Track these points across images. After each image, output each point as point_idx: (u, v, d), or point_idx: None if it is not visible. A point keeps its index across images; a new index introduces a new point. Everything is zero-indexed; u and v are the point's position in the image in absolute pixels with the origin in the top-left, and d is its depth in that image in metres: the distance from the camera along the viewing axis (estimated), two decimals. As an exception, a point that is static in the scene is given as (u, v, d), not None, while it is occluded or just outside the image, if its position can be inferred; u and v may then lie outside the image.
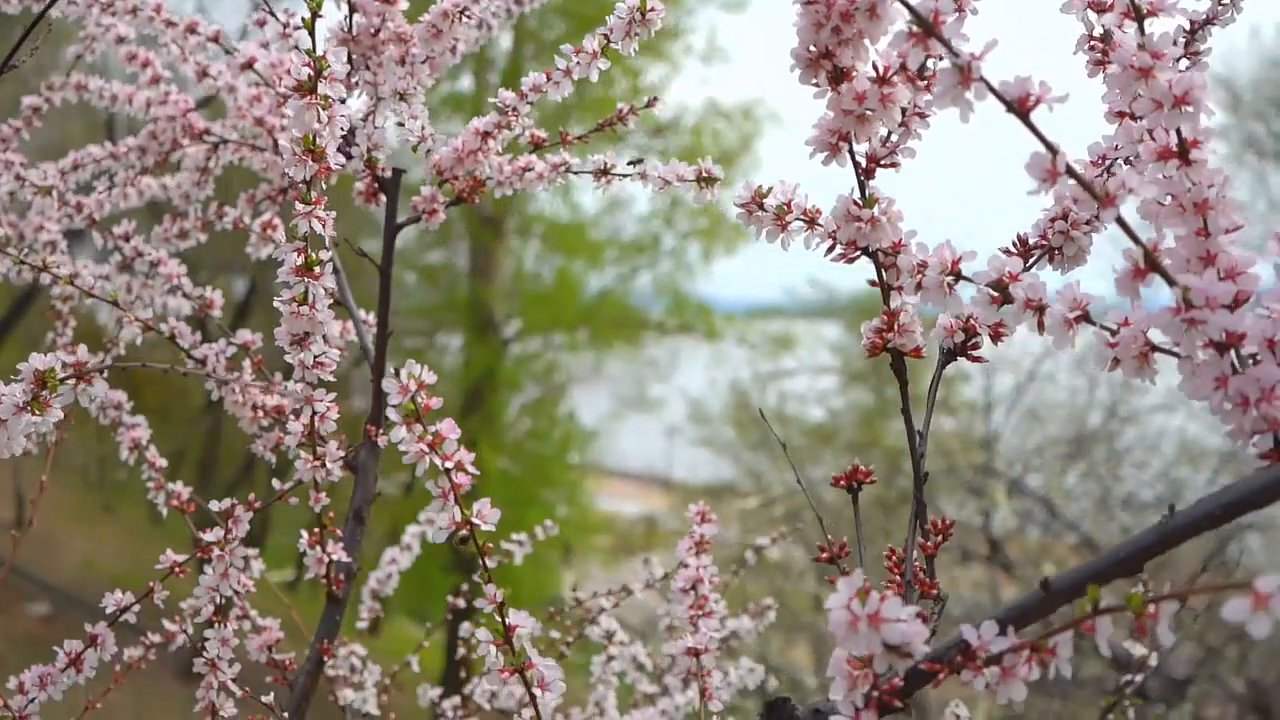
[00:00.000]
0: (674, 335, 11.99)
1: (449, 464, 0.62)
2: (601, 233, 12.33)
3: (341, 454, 0.91)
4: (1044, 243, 0.68)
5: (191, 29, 1.10)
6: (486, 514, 0.63)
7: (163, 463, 1.10)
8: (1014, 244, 0.68)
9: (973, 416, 7.90)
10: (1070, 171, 0.50)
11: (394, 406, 0.61)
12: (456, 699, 1.39)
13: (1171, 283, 0.51)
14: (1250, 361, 0.53)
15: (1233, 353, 0.52)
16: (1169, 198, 0.55)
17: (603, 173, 0.95)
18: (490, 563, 0.66)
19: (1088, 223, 0.66)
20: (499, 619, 0.65)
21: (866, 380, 9.75)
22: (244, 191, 1.20)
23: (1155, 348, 0.54)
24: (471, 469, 0.63)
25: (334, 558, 0.97)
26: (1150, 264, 0.52)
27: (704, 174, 0.86)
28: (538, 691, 0.65)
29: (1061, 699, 6.34)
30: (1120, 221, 0.51)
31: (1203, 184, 0.53)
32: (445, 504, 0.62)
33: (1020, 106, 0.50)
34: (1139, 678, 1.15)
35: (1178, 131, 0.53)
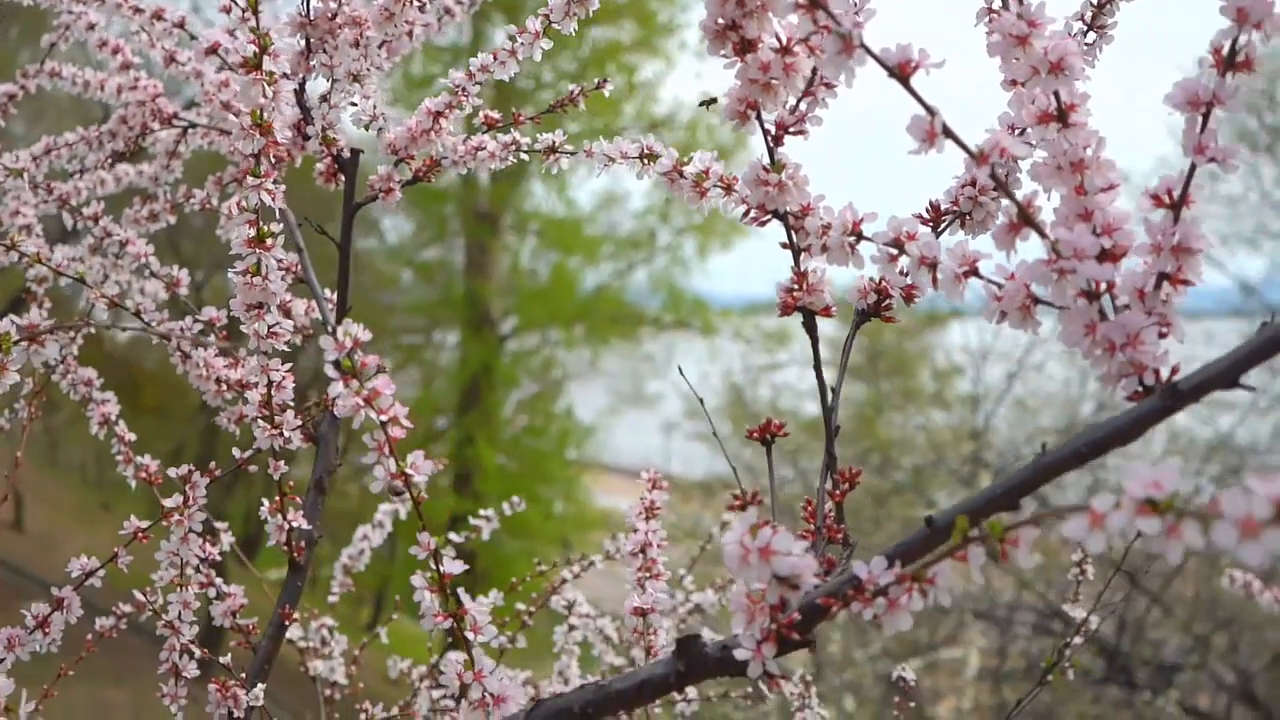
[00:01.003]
0: (670, 331, 12.04)
1: (384, 418, 0.65)
2: (597, 229, 12.38)
3: (299, 422, 0.94)
4: (954, 208, 0.71)
5: (158, 15, 1.13)
6: (420, 465, 0.67)
7: (132, 437, 1.13)
8: (926, 209, 0.72)
9: (967, 410, 7.95)
10: (947, 132, 0.54)
11: (330, 363, 0.64)
12: (423, 668, 1.43)
13: (1044, 235, 0.54)
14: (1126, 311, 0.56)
15: (1108, 302, 0.56)
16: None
17: (551, 150, 0.99)
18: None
19: (995, 189, 0.70)
20: (434, 566, 0.68)
21: (861, 375, 9.79)
22: (212, 174, 1.23)
23: (1037, 300, 0.58)
24: (406, 423, 0.66)
25: (294, 525, 1.00)
26: (1024, 219, 0.55)
27: (646, 151, 0.89)
28: (470, 635, 0.68)
29: (1051, 691, 6.39)
30: (995, 178, 0.55)
31: (1079, 145, 0.56)
32: (381, 457, 0.66)
33: (901, 72, 0.54)
34: (1078, 640, 1.18)
35: (1056, 95, 0.57)
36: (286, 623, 1.02)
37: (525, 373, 11.82)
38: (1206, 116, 0.55)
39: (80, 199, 1.22)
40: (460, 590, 0.69)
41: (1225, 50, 0.54)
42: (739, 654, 0.58)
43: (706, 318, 11.35)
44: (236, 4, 1.03)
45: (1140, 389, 0.53)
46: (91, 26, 1.24)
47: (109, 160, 1.22)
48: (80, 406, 1.19)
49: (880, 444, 8.07)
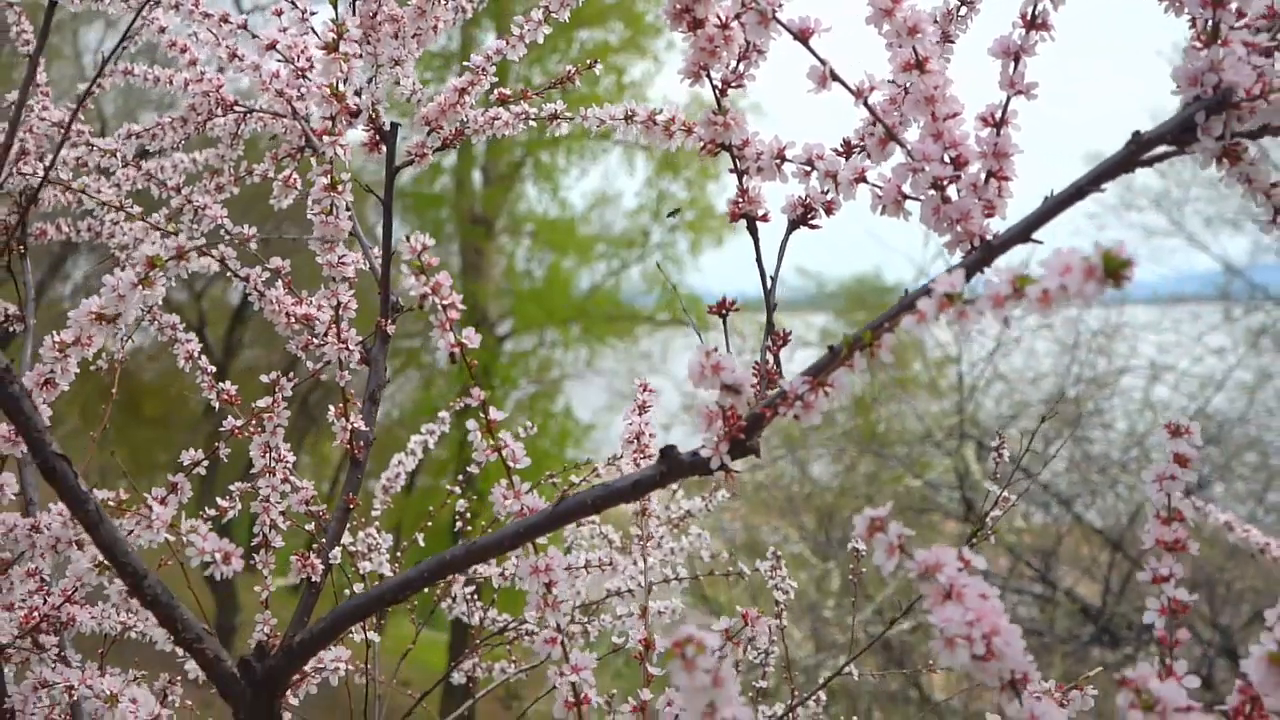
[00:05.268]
0: (666, 328, 12.28)
1: (445, 302, 0.89)
2: (590, 229, 12.62)
3: (360, 339, 1.18)
4: (861, 143, 0.95)
5: (224, 19, 1.37)
6: (472, 337, 0.90)
7: (212, 369, 1.37)
8: (841, 144, 0.95)
9: (958, 396, 8.22)
10: (834, 76, 0.77)
11: (405, 261, 0.88)
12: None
13: (902, 145, 0.78)
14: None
15: (954, 192, 0.80)
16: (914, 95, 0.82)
17: (554, 116, 1.23)
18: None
19: (899, 124, 0.93)
20: (483, 416, 0.92)
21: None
22: (268, 151, 1.47)
23: (906, 196, 0.81)
24: (460, 306, 0.90)
25: (355, 427, 1.24)
26: (889, 136, 0.79)
27: (629, 113, 1.13)
28: (511, 464, 0.92)
29: (1043, 653, 6.63)
30: (869, 108, 0.79)
31: (931, 86, 0.80)
32: (443, 332, 0.90)
33: (803, 36, 0.78)
34: (997, 513, 1.42)
35: (914, 50, 0.80)
36: (350, 506, 1.26)
37: (523, 373, 12.05)
38: (1017, 60, 0.78)
39: (163, 175, 1.46)
40: (505, 435, 0.92)
41: (1029, 14, 0.79)
42: (703, 452, 0.82)
43: (701, 314, 11.55)
44: (295, 5, 1.27)
45: (971, 249, 0.77)
46: (163, 30, 1.47)
47: (182, 142, 1.46)
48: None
49: (877, 434, 8.30)
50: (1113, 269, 0.54)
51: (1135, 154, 0.71)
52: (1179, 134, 0.70)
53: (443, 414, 1.85)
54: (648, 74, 11.63)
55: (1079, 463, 7.19)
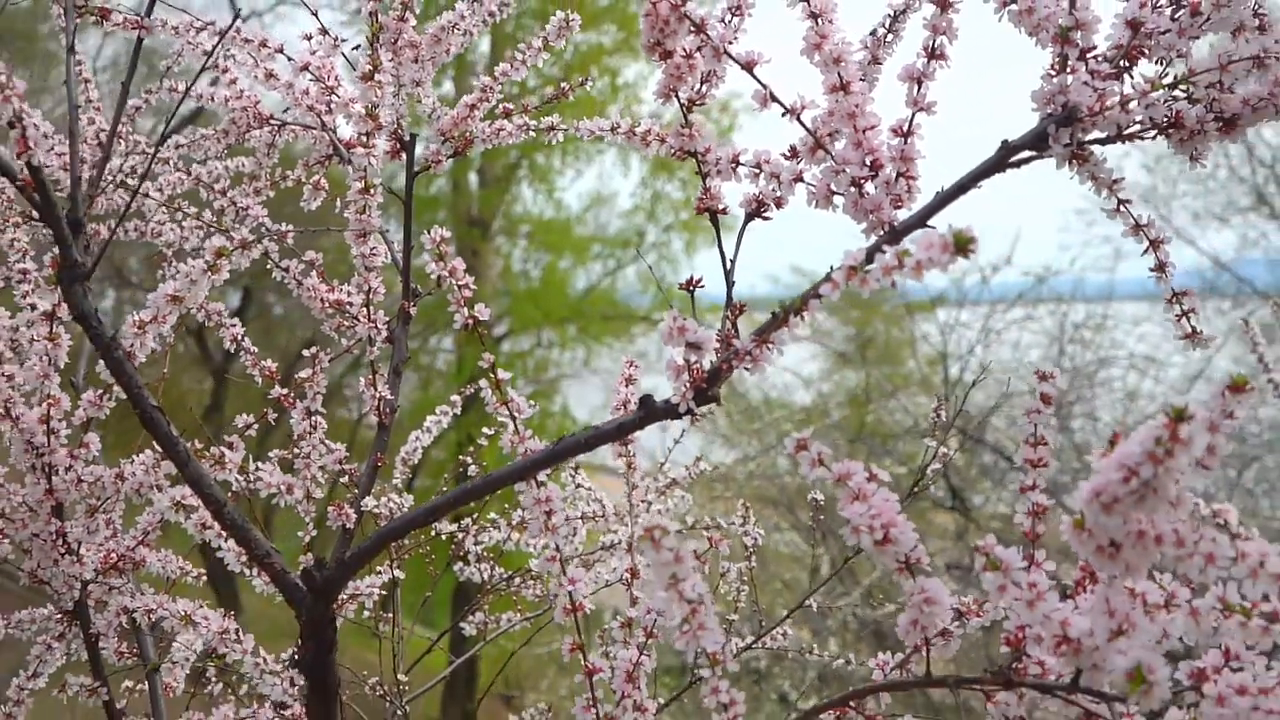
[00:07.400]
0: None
1: (460, 283, 1.09)
2: (586, 229, 12.82)
3: (387, 318, 1.38)
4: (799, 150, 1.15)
5: (263, 44, 1.56)
6: (482, 310, 1.10)
7: (254, 349, 1.57)
8: (789, 149, 1.15)
9: (946, 389, 8.44)
10: (773, 98, 0.97)
11: (427, 250, 1.08)
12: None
13: (828, 153, 0.98)
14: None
15: (870, 188, 1.00)
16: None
17: (551, 128, 1.43)
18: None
19: (830, 135, 1.14)
20: (493, 375, 1.12)
21: (853, 363, 10.27)
22: (300, 159, 1.67)
23: (834, 192, 1.02)
24: (471, 286, 1.10)
25: (383, 396, 1.44)
26: (818, 144, 0.99)
27: (614, 126, 1.33)
28: (517, 414, 1.12)
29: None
30: (800, 122, 0.99)
31: (853, 104, 1.00)
32: (458, 307, 1.10)
33: (748, 66, 0.98)
34: (936, 466, 1.62)
35: (839, 74, 1.00)
36: (379, 465, 1.46)
37: (520, 373, 12.24)
38: (919, 84, 0.99)
39: (209, 178, 1.66)
40: (510, 389, 1.12)
41: (930, 46, 0.99)
42: (673, 399, 1.02)
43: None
44: (326, 34, 1.47)
45: (883, 234, 0.97)
46: (207, 53, 1.67)
47: (225, 150, 1.66)
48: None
49: (873, 430, 8.50)
50: (961, 244, 0.75)
51: (1005, 157, 0.92)
52: (1035, 142, 0.90)
53: (454, 397, 2.05)
54: (641, 75, 11.84)
55: (1065, 452, 7.39)
